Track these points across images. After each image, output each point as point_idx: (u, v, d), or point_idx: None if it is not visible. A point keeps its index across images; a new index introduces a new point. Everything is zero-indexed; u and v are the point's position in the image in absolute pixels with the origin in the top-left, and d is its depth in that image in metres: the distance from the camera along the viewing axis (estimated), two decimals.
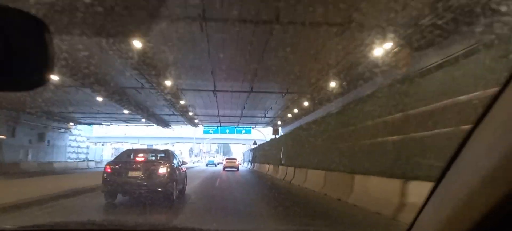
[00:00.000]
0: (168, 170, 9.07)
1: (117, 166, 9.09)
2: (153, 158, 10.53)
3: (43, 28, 0.83)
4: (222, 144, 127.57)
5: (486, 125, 0.84)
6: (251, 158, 42.56)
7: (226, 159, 44.24)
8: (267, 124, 43.16)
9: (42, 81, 0.86)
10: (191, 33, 13.51)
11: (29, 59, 0.83)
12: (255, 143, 39.68)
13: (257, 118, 40.14)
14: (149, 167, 9.10)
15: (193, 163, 62.94)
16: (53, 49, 0.85)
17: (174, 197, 9.31)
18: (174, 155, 10.75)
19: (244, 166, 53.00)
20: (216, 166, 57.56)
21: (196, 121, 41.47)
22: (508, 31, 5.56)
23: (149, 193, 8.66)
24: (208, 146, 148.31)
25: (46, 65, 0.84)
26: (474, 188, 0.82)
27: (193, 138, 69.24)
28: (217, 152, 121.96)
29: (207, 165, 57.30)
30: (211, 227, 1.93)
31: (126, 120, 40.72)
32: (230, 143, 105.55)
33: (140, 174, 8.81)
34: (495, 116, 0.82)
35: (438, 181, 1.01)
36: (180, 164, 10.85)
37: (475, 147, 0.88)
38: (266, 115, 38.03)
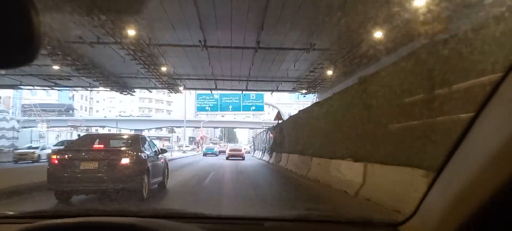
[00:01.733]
0: (135, 160, 7.17)
1: (66, 156, 7.14)
2: (117, 146, 8.10)
3: (29, 4, 0.81)
4: (226, 130, 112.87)
5: (491, 109, 0.82)
6: (268, 145, 27.52)
7: (230, 148, 36.47)
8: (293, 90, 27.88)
9: (30, 57, 0.84)
10: None
11: (16, 36, 0.81)
12: (278, 118, 23.95)
13: (272, 84, 25.23)
14: (108, 157, 7.07)
15: (184, 152, 48.06)
16: (40, 26, 0.82)
17: (145, 194, 7.32)
18: (145, 142, 8.46)
19: (255, 157, 37.93)
20: (216, 155, 42.92)
21: (181, 87, 26.15)
22: None
23: (109, 190, 6.77)
24: (210, 133, 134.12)
25: (33, 42, 0.82)
26: (478, 174, 0.80)
27: (183, 121, 54.71)
28: (221, 139, 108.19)
29: (205, 154, 42.59)
30: (213, 212, 1.51)
31: (67, 84, 26.04)
32: (235, 127, 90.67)
33: (96, 166, 6.91)
34: (500, 99, 0.80)
35: (441, 168, 0.98)
36: (157, 152, 8.83)
37: (479, 132, 0.86)
38: (286, 78, 23.15)
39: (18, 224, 1.32)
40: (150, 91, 33.32)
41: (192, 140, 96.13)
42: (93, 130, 69.96)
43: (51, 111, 74.34)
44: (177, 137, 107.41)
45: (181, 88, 26.02)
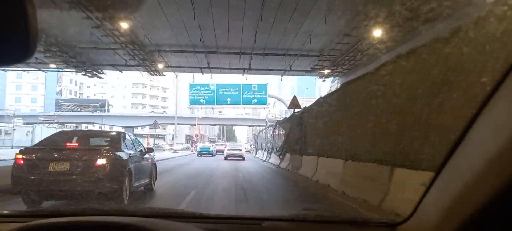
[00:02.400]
0: (113, 160, 6.28)
1: (33, 156, 6.28)
2: (94, 144, 7.26)
3: (26, 1, 0.81)
4: (224, 128, 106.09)
5: (490, 110, 0.82)
6: (275, 143, 20.85)
7: (229, 147, 31.73)
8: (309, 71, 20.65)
9: (27, 55, 0.84)
10: None
11: (12, 33, 0.81)
12: (295, 105, 16.39)
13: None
14: (82, 157, 6.16)
15: (175, 151, 41.28)
16: (37, 22, 0.81)
17: (125, 198, 6.46)
18: (128, 140, 7.50)
19: (258, 158, 31.17)
20: (213, 155, 36.16)
21: (161, 65, 19.17)
22: None
23: (84, 194, 5.91)
24: (209, 131, 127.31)
25: (29, 39, 0.81)
26: (477, 175, 0.80)
27: (177, 117, 48.10)
28: (219, 137, 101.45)
29: (200, 154, 35.87)
30: (212, 212, 1.53)
31: None
32: (233, 125, 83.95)
33: (68, 167, 6.01)
34: (500, 100, 0.79)
35: (440, 169, 0.98)
36: (143, 152, 7.99)
37: (478, 133, 0.85)
38: (305, 50, 16.37)
39: (14, 223, 1.30)
40: (121, 72, 26.30)
41: (189, 138, 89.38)
42: (77, 127, 63.18)
43: (86, 106, 71.28)
44: (173, 135, 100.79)
45: (160, 65, 18.98)
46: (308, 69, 18.78)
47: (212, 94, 38.47)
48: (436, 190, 1.01)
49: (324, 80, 21.89)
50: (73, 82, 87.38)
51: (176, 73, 22.30)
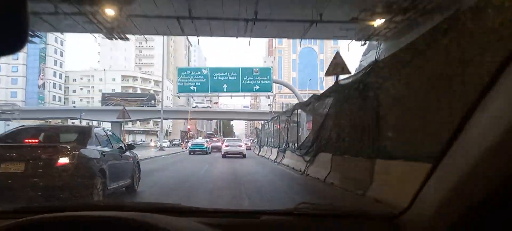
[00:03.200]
0: (79, 158, 5.41)
1: None
2: (57, 140, 6.06)
3: None
4: (221, 123, 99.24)
5: (489, 102, 0.82)
6: (287, 138, 14.59)
7: (227, 143, 26.08)
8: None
9: (19, 45, 0.84)
10: None
11: (4, 24, 0.80)
12: (338, 67, 9.51)
13: None
14: (41, 156, 5.28)
15: (160, 149, 34.60)
16: (28, 13, 0.82)
17: None
18: (100, 135, 6.50)
19: (265, 157, 24.48)
20: (207, 152, 29.54)
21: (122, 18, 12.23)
22: None
23: (46, 198, 4.96)
24: (206, 127, 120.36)
25: (21, 29, 0.81)
26: (475, 167, 0.80)
27: (170, 108, 41.52)
28: (216, 132, 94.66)
29: (191, 152, 29.29)
30: (208, 207, 1.52)
31: None
32: (230, 119, 77.01)
33: (22, 168, 5.16)
34: (499, 91, 0.79)
35: (437, 161, 0.98)
36: (123, 149, 7.18)
37: (477, 124, 0.85)
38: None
39: (9, 219, 1.25)
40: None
41: (184, 134, 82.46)
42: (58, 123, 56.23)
43: (133, 101, 68.13)
44: (167, 131, 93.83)
45: (109, 10, 11.74)
46: (346, 21, 12.00)
47: (204, 80, 31.84)
48: (434, 182, 1.01)
49: (364, 43, 15.18)
50: (57, 75, 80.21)
51: (144, 35, 15.55)
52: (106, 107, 68.02)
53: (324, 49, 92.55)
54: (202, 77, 31.59)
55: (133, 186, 7.39)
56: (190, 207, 1.52)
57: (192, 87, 31.54)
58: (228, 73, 31.71)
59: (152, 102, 70.19)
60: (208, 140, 35.16)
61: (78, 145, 5.58)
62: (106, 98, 70.16)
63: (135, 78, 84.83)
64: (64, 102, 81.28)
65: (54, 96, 78.68)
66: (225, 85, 31.48)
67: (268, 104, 67.89)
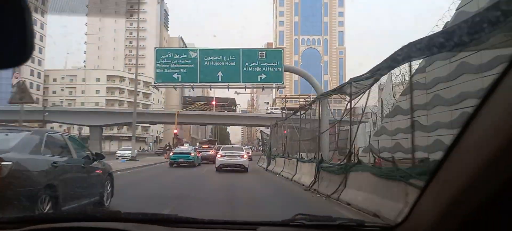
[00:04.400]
0: (10, 172, 4.17)
1: None
2: None
3: (22, 6, 0.83)
4: (216, 129, 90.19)
5: (485, 112, 0.82)
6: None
7: (222, 152, 18.46)
8: None
9: (23, 58, 0.86)
10: None
11: (9, 38, 0.83)
12: None
13: None
14: None
15: (126, 158, 25.82)
16: (33, 27, 0.85)
17: None
18: (52, 141, 5.29)
19: (279, 174, 15.59)
20: (195, 165, 20.79)
21: None
22: None
23: None
24: (201, 133, 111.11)
25: (26, 43, 0.84)
26: (472, 178, 0.80)
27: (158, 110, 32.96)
28: (211, 139, 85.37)
29: (173, 163, 20.57)
30: (205, 217, 1.51)
31: None
32: (226, 124, 67.33)
33: None
34: (496, 102, 0.79)
35: (435, 171, 0.97)
36: (91, 159, 6.07)
37: (473, 135, 0.84)
38: None
39: (5, 229, 1.23)
40: None
41: (178, 141, 73.34)
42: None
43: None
44: (157, 137, 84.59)
45: None
46: None
47: (192, 66, 23.07)
48: (431, 193, 0.99)
49: None
50: (35, 74, 71.13)
51: None
52: (84, 108, 59.10)
53: (329, 51, 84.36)
54: (189, 61, 22.93)
55: (103, 204, 6.26)
56: (186, 217, 1.47)
57: (175, 75, 22.84)
58: (224, 57, 23.05)
59: (233, 107, 63.41)
60: (196, 147, 26.46)
61: (15, 154, 4.37)
62: (187, 102, 64.10)
63: (122, 79, 76.01)
64: (44, 105, 72.02)
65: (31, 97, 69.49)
66: (220, 73, 22.80)
67: (270, 108, 59.39)
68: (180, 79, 22.97)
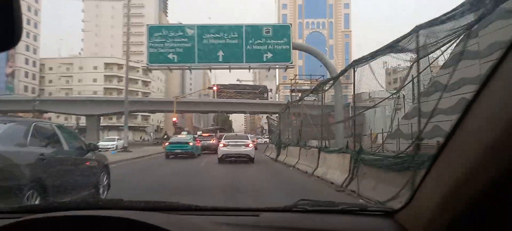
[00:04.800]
0: None
1: None
2: None
3: None
4: (218, 116, 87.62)
5: (485, 99, 0.81)
6: None
7: (225, 141, 16.55)
8: None
9: (12, 42, 0.85)
10: None
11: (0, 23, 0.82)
12: None
13: None
14: None
15: (114, 146, 23.26)
16: (21, 11, 0.84)
17: None
18: (37, 132, 4.96)
19: (292, 166, 12.91)
20: (194, 155, 18.23)
21: None
22: None
23: None
24: (204, 122, 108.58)
25: (14, 27, 0.83)
26: (475, 162, 0.79)
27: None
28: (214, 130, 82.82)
29: (170, 154, 18.00)
30: (208, 204, 1.48)
31: None
32: (228, 112, 64.22)
33: None
34: (494, 88, 0.78)
35: (434, 158, 0.96)
36: (84, 150, 5.86)
37: (475, 119, 0.84)
38: None
39: (6, 219, 1.21)
40: None
41: (179, 131, 70.98)
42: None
43: (246, 93, 61.90)
44: (158, 126, 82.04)
45: None
46: None
47: (190, 45, 20.29)
48: (432, 178, 0.99)
49: None
50: (30, 63, 68.41)
51: None
52: (80, 97, 56.62)
53: (334, 35, 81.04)
54: (186, 40, 20.19)
55: (99, 196, 5.98)
56: (189, 205, 1.46)
57: (170, 56, 20.13)
58: (225, 35, 20.28)
59: (265, 95, 62.64)
60: (196, 136, 23.95)
61: None
62: (221, 91, 61.25)
63: (120, 67, 73.22)
64: (39, 94, 69.61)
65: (26, 87, 67.00)
66: (220, 53, 20.06)
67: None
68: (176, 60, 20.23)
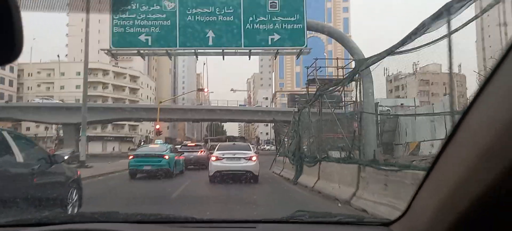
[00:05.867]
0: None
1: None
2: None
3: (11, 4, 0.81)
4: (212, 125, 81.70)
5: (480, 107, 0.81)
6: None
7: (219, 153, 11.38)
8: None
9: (13, 56, 0.85)
10: None
11: (1, 37, 0.81)
12: None
13: None
14: None
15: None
16: (22, 25, 0.82)
17: None
18: None
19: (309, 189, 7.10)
20: (172, 173, 12.21)
21: None
22: None
23: None
24: (197, 132, 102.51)
25: (15, 41, 0.82)
26: (469, 171, 0.79)
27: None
28: (206, 140, 76.51)
29: (134, 172, 12.09)
30: (204, 216, 1.48)
31: None
32: (220, 120, 57.56)
33: None
34: (488, 96, 0.78)
35: (431, 167, 0.96)
36: (49, 162, 5.14)
37: (468, 130, 0.84)
38: None
39: None
40: None
41: (169, 141, 64.85)
42: None
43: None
44: (147, 136, 75.96)
45: None
46: None
47: (169, 24, 14.30)
48: (428, 188, 0.98)
49: None
50: (7, 68, 62.37)
51: None
52: (60, 103, 50.68)
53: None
54: (164, 15, 14.74)
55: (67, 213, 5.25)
56: (185, 217, 1.44)
57: (142, 37, 14.63)
58: (217, 10, 14.87)
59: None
60: (179, 146, 18.32)
61: None
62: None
63: (105, 72, 67.40)
64: (7, 100, 63.39)
65: (1, 94, 60.78)
66: (210, 34, 14.63)
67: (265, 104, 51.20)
68: (149, 43, 14.67)
